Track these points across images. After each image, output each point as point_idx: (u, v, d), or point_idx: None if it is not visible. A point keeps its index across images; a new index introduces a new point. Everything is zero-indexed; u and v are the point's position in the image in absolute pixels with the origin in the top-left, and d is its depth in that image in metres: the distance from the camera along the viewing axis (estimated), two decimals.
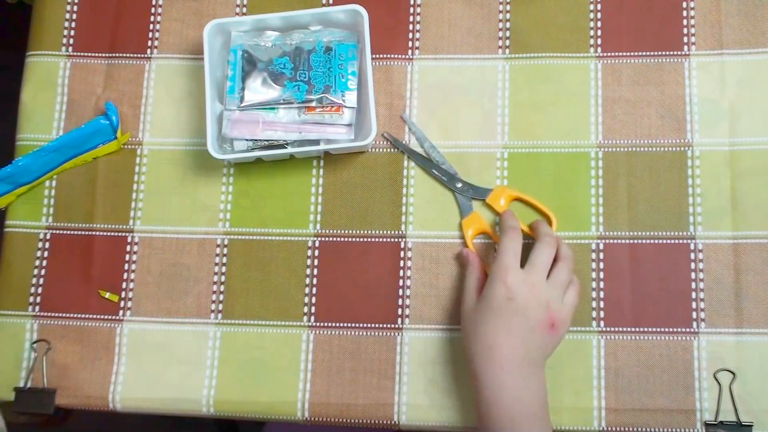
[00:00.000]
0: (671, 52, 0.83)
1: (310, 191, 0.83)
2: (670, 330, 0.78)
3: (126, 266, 0.82)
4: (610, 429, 0.77)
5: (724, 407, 0.76)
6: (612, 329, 0.79)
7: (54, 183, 0.84)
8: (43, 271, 0.82)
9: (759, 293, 0.78)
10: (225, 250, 0.82)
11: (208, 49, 0.80)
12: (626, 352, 0.78)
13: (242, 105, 0.80)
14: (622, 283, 0.79)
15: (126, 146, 0.85)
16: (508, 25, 0.84)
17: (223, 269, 0.82)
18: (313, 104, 0.80)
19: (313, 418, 0.79)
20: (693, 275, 0.79)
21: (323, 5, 0.86)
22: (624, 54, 0.83)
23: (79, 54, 0.86)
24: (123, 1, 0.87)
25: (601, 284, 0.79)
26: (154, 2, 0.87)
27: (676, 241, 0.79)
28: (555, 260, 0.75)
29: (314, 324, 0.80)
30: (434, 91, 0.84)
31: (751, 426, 0.75)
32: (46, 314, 0.81)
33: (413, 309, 0.80)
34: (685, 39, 0.83)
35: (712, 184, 0.80)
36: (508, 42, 0.84)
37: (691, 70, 0.82)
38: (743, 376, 0.77)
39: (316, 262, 0.81)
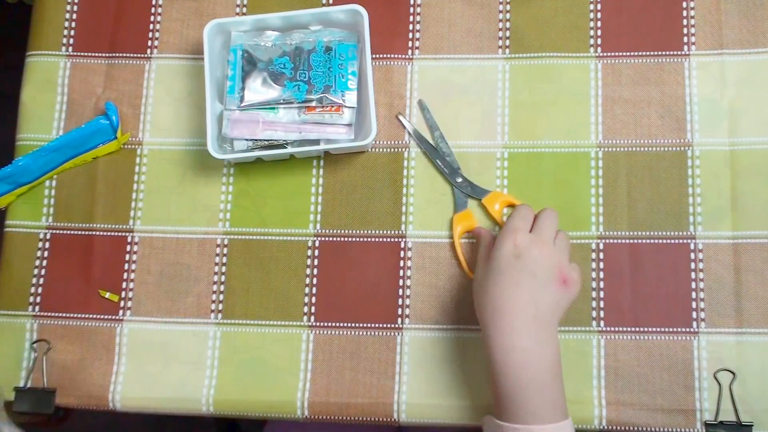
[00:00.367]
0: (671, 52, 0.83)
1: (310, 191, 0.83)
2: (670, 330, 0.78)
3: (126, 266, 0.82)
4: (610, 429, 0.77)
5: (724, 407, 0.76)
6: (612, 329, 0.79)
7: (54, 183, 0.84)
8: (43, 271, 0.82)
9: (759, 293, 0.78)
10: (225, 250, 0.82)
11: (208, 49, 0.80)
12: (626, 352, 0.78)
13: (242, 105, 0.80)
14: (622, 283, 0.79)
15: (126, 146, 0.85)
16: (508, 25, 0.84)
17: (223, 269, 0.82)
18: (313, 104, 0.80)
19: (313, 417, 0.79)
20: (693, 275, 0.79)
21: (323, 5, 0.86)
22: (624, 54, 0.83)
23: (79, 54, 0.86)
24: (123, 1, 0.87)
25: (601, 284, 0.79)
26: (154, 2, 0.87)
27: (676, 241, 0.79)
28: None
29: (314, 324, 0.80)
30: (434, 91, 0.84)
31: (751, 426, 0.75)
32: (46, 314, 0.81)
33: (413, 309, 0.80)
34: (685, 39, 0.83)
35: (712, 184, 0.80)
36: (508, 42, 0.84)
37: (691, 70, 0.82)
38: (743, 376, 0.77)
39: (316, 262, 0.81)
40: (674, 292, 0.79)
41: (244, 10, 0.86)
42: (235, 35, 0.81)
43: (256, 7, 0.86)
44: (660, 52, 0.83)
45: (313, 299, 0.81)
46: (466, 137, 0.83)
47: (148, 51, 0.86)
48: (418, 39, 0.85)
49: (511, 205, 0.81)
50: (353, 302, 0.80)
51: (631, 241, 0.80)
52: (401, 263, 0.81)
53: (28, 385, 0.79)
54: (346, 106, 0.80)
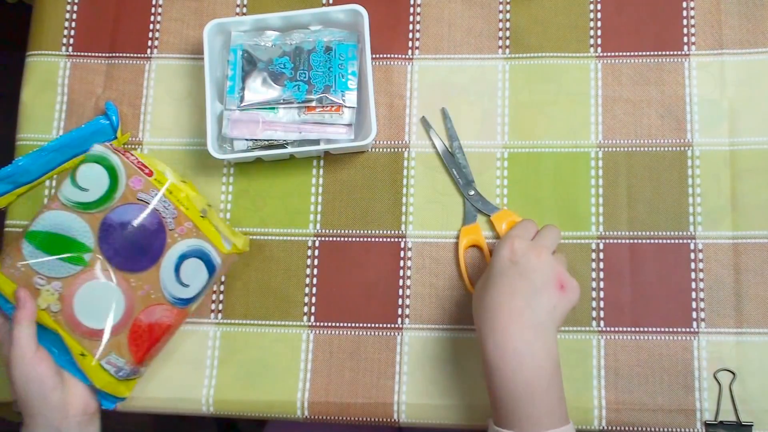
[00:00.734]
0: (671, 52, 0.83)
1: (310, 191, 0.83)
2: (670, 330, 0.78)
3: None
4: (610, 428, 0.77)
5: (724, 407, 0.76)
6: (612, 329, 0.79)
7: (54, 183, 0.84)
8: None
9: (759, 293, 0.78)
10: None
11: (208, 49, 0.80)
12: (626, 352, 0.78)
13: (242, 105, 0.80)
14: (622, 283, 0.79)
15: (126, 146, 0.85)
16: (508, 25, 0.84)
17: None
18: (313, 104, 0.80)
19: (313, 417, 0.79)
20: (693, 275, 0.79)
21: (323, 5, 0.86)
22: (624, 54, 0.83)
23: (79, 54, 0.86)
24: (123, 1, 0.87)
25: (601, 284, 0.79)
26: (154, 2, 0.87)
27: (676, 241, 0.79)
28: None
29: (314, 324, 0.80)
30: (434, 91, 0.84)
31: (751, 426, 0.75)
32: None
33: (413, 309, 0.80)
34: (685, 39, 0.83)
35: (712, 184, 0.80)
36: (508, 42, 0.84)
37: (691, 70, 0.82)
38: (743, 376, 0.77)
39: (316, 262, 0.81)
40: (674, 292, 0.79)
41: (244, 10, 0.86)
42: (235, 35, 0.81)
43: (256, 7, 0.86)
44: (660, 52, 0.83)
45: (313, 299, 0.81)
46: (466, 137, 0.82)
47: (148, 51, 0.86)
48: (418, 39, 0.85)
49: None
50: (353, 302, 0.80)
51: (631, 241, 0.80)
52: (401, 263, 0.81)
53: None
54: (346, 106, 0.80)
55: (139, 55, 0.86)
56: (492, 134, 0.82)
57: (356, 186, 0.82)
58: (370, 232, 0.82)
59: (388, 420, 0.78)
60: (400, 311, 0.80)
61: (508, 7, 0.85)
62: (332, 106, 0.80)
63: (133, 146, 0.84)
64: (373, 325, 0.80)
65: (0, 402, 0.81)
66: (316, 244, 0.82)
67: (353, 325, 0.80)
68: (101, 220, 0.71)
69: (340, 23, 0.82)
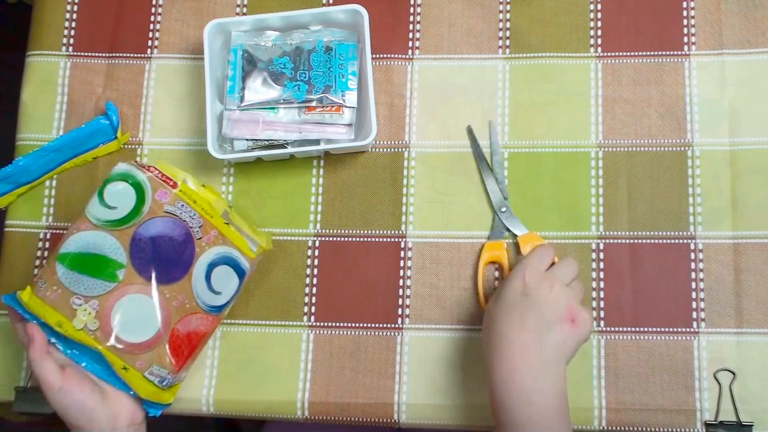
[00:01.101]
0: (671, 52, 0.83)
1: (310, 191, 0.83)
2: (670, 330, 0.78)
3: None
4: (610, 429, 0.77)
5: (724, 407, 0.76)
6: (612, 329, 0.79)
7: (54, 183, 0.84)
8: None
9: (759, 293, 0.78)
10: None
11: (209, 49, 0.80)
12: (626, 352, 0.78)
13: (242, 105, 0.80)
14: (622, 283, 0.79)
15: (126, 146, 0.85)
16: (508, 24, 0.84)
17: None
18: (314, 104, 0.80)
19: (313, 417, 0.79)
20: (693, 275, 0.79)
21: (323, 5, 0.86)
22: (624, 54, 0.83)
23: (79, 54, 0.86)
24: (123, 1, 0.87)
25: (601, 284, 0.79)
26: (154, 2, 0.87)
27: (676, 241, 0.79)
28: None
29: (314, 324, 0.80)
30: (434, 91, 0.84)
31: (751, 426, 0.75)
32: None
33: (413, 309, 0.80)
34: (685, 39, 0.83)
35: (712, 184, 0.80)
36: (508, 42, 0.84)
37: (691, 70, 0.82)
38: (743, 376, 0.77)
39: (316, 262, 0.81)
40: (674, 292, 0.79)
41: (244, 10, 0.86)
42: (235, 35, 0.81)
43: (256, 7, 0.86)
44: (660, 52, 0.83)
45: (313, 299, 0.81)
46: (466, 137, 0.82)
47: (148, 51, 0.86)
48: (418, 39, 0.85)
49: None
50: (353, 302, 0.80)
51: (631, 241, 0.80)
52: (401, 263, 0.81)
53: (28, 385, 0.79)
54: (346, 106, 0.80)
55: (139, 55, 0.86)
56: (492, 134, 0.82)
57: (356, 186, 0.82)
58: (370, 232, 0.82)
59: (389, 420, 0.78)
60: (400, 311, 0.80)
61: (508, 7, 0.85)
62: (332, 106, 0.80)
63: (133, 146, 0.84)
64: (373, 325, 0.80)
65: (0, 402, 0.81)
66: (316, 244, 0.82)
67: (353, 325, 0.80)
68: (131, 235, 0.72)
69: (341, 23, 0.82)
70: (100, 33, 0.87)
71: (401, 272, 0.81)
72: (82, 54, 0.86)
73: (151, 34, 0.86)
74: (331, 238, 0.82)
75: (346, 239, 0.82)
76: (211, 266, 0.74)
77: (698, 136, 0.81)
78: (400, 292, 0.80)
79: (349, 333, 0.80)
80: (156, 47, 0.86)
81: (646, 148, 0.81)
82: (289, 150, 0.79)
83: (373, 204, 0.82)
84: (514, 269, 0.72)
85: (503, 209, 0.80)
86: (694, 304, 0.78)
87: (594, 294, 0.79)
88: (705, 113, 0.81)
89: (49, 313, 0.71)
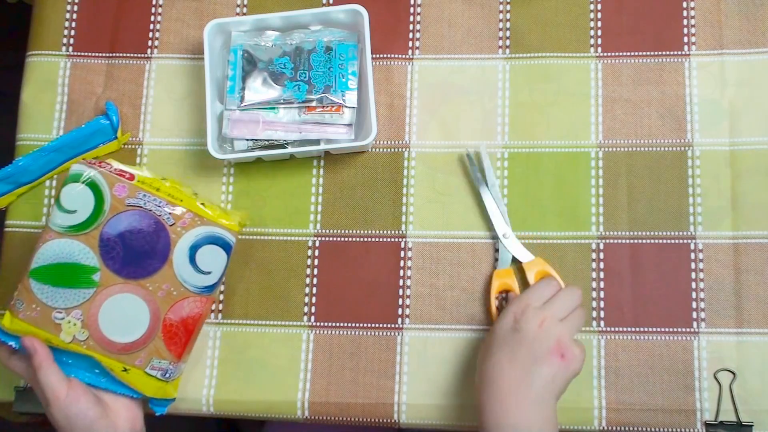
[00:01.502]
0: (671, 52, 0.83)
1: (310, 191, 0.83)
2: (670, 330, 0.78)
3: None
4: (610, 429, 0.77)
5: (724, 407, 0.76)
6: (612, 329, 0.79)
7: (54, 183, 0.84)
8: None
9: (759, 293, 0.78)
10: None
11: (209, 49, 0.80)
12: (626, 352, 0.78)
13: (242, 105, 0.80)
14: (622, 283, 0.79)
15: (126, 146, 0.85)
16: (508, 25, 0.84)
17: None
18: (314, 104, 0.80)
19: (313, 417, 0.79)
20: (693, 275, 0.79)
21: (323, 5, 0.86)
22: (624, 54, 0.83)
23: (79, 54, 0.86)
24: (123, 1, 0.87)
25: (601, 284, 0.79)
26: (154, 2, 0.87)
27: (676, 241, 0.79)
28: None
29: (314, 324, 0.80)
30: (434, 91, 0.84)
31: (751, 426, 0.75)
32: None
33: (413, 309, 0.80)
34: (685, 39, 0.83)
35: (712, 184, 0.80)
36: (508, 42, 0.84)
37: (691, 70, 0.82)
38: (743, 376, 0.77)
39: (316, 262, 0.81)
40: (674, 292, 0.79)
41: (244, 10, 0.86)
42: (235, 35, 0.81)
43: (256, 7, 0.86)
44: (660, 52, 0.83)
45: (313, 299, 0.81)
46: (466, 137, 0.82)
47: (148, 51, 0.86)
48: (418, 39, 0.85)
49: (546, 275, 0.78)
50: (353, 302, 0.80)
51: (631, 241, 0.80)
52: (401, 263, 0.81)
53: (29, 385, 0.79)
54: (346, 106, 0.80)
55: (139, 55, 0.86)
56: (492, 134, 0.82)
57: (356, 186, 0.82)
58: (370, 232, 0.82)
59: (389, 420, 0.78)
60: (400, 311, 0.80)
61: (508, 7, 0.85)
62: (332, 106, 0.80)
63: (133, 146, 0.84)
64: (373, 325, 0.80)
65: (0, 402, 0.81)
66: (316, 244, 0.82)
67: (353, 325, 0.80)
68: (98, 236, 0.71)
69: (341, 23, 0.82)
70: (100, 33, 0.87)
71: (401, 272, 0.81)
72: (82, 54, 0.86)
73: (151, 34, 0.86)
74: (331, 238, 0.82)
75: (346, 239, 0.82)
76: (194, 248, 0.73)
77: (698, 136, 0.81)
78: (400, 292, 0.80)
79: (349, 333, 0.80)
80: (156, 47, 0.86)
81: (646, 148, 0.81)
82: (289, 150, 0.79)
83: (373, 204, 0.82)
84: (507, 305, 0.72)
85: (507, 237, 0.79)
86: (694, 304, 0.78)
87: (594, 294, 0.79)
88: (705, 113, 0.81)
89: (34, 332, 0.70)
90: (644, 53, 0.83)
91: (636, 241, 0.80)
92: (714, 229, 0.79)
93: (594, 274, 0.79)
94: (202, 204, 0.74)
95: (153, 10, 0.87)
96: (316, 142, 0.80)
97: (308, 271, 0.81)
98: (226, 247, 0.74)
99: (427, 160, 0.82)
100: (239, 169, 0.83)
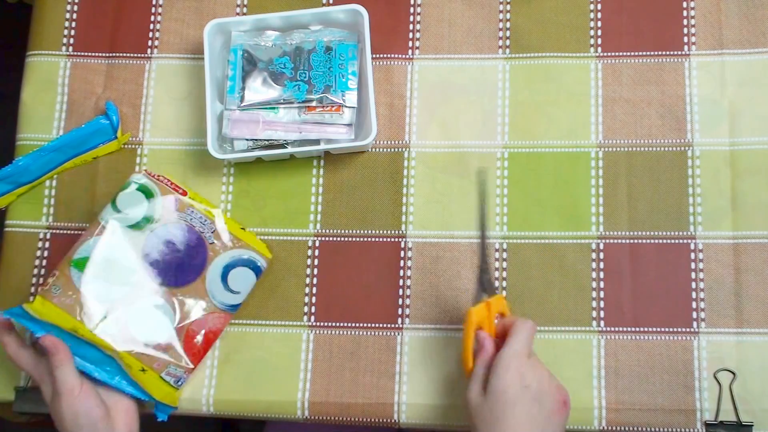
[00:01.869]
0: (671, 52, 0.83)
1: (310, 191, 0.83)
2: (670, 330, 0.78)
3: None
4: (610, 429, 0.77)
5: (724, 407, 0.76)
6: (612, 329, 0.79)
7: (54, 183, 0.84)
8: (43, 271, 0.82)
9: (759, 293, 0.78)
10: None
11: (209, 48, 0.80)
12: (626, 352, 0.78)
13: (242, 105, 0.80)
14: (622, 283, 0.79)
15: (126, 146, 0.85)
16: (508, 25, 0.84)
17: None
18: (314, 104, 0.80)
19: (313, 417, 0.79)
20: (693, 275, 0.79)
21: (323, 5, 0.86)
22: (624, 54, 0.83)
23: (79, 54, 0.86)
24: (123, 1, 0.87)
25: (601, 284, 0.79)
26: (154, 2, 0.87)
27: (676, 241, 0.79)
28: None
29: (314, 324, 0.80)
30: (434, 91, 0.84)
31: (751, 426, 0.75)
32: None
33: (413, 309, 0.80)
34: (685, 39, 0.83)
35: (712, 184, 0.80)
36: (508, 42, 0.84)
37: (691, 70, 0.82)
38: (743, 376, 0.77)
39: (316, 262, 0.81)
40: (674, 292, 0.79)
41: (244, 10, 0.86)
42: (235, 35, 0.81)
43: (256, 7, 0.86)
44: (660, 52, 0.83)
45: (313, 299, 0.81)
46: (466, 137, 0.83)
47: (148, 51, 0.86)
48: (418, 39, 0.85)
49: (502, 315, 0.74)
50: (353, 302, 0.80)
51: (631, 241, 0.80)
52: (401, 263, 0.81)
53: (29, 385, 0.79)
54: (346, 106, 0.80)
55: (139, 55, 0.86)
56: (492, 134, 0.82)
57: (356, 186, 0.82)
58: (370, 232, 0.82)
59: (389, 420, 0.78)
60: (400, 311, 0.80)
61: (508, 7, 0.85)
62: (332, 106, 0.80)
63: (133, 146, 0.84)
64: (373, 325, 0.80)
65: (0, 402, 0.81)
66: (316, 244, 0.82)
67: (353, 325, 0.80)
68: (143, 241, 0.76)
69: (341, 23, 0.82)
70: (100, 33, 0.87)
71: (401, 272, 0.81)
72: (82, 54, 0.86)
73: (151, 34, 0.86)
74: (331, 238, 0.82)
75: (346, 239, 0.82)
76: (228, 268, 0.77)
77: (698, 136, 0.81)
78: (400, 292, 0.80)
79: (349, 333, 0.80)
80: (156, 47, 0.86)
81: (646, 148, 0.81)
82: (289, 150, 0.79)
83: (373, 204, 0.82)
84: (504, 359, 0.68)
85: (487, 274, 0.75)
86: (694, 304, 0.78)
87: (594, 294, 0.79)
88: (705, 113, 0.81)
89: (64, 318, 0.73)
90: (644, 53, 0.83)
91: (636, 241, 0.80)
92: (714, 229, 0.79)
93: (594, 274, 0.79)
94: (243, 228, 0.79)
95: (153, 10, 0.87)
96: (316, 142, 0.80)
97: (308, 271, 0.81)
98: (257, 270, 0.79)
99: (427, 160, 0.82)
100: (239, 169, 0.83)
